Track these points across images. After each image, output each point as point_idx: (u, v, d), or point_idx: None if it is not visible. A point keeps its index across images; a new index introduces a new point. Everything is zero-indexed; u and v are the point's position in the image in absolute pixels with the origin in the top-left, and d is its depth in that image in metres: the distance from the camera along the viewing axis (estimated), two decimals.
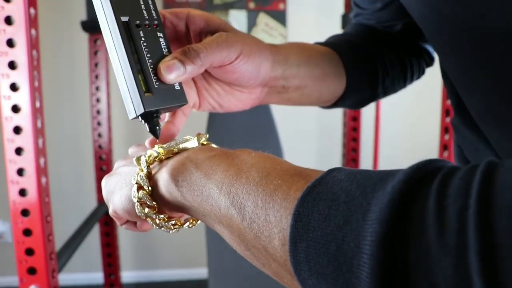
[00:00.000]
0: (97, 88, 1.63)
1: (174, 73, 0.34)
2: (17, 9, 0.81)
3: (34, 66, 0.85)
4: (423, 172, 0.21)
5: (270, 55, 0.41)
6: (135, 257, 2.14)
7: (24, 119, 0.85)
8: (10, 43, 0.82)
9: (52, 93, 1.94)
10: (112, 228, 1.72)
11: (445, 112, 1.24)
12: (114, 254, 1.74)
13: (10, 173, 0.85)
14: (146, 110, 0.34)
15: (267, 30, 2.01)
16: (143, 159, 0.33)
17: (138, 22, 0.35)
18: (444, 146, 1.25)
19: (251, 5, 1.98)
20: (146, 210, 0.33)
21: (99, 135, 1.66)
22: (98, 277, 1.98)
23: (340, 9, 1.78)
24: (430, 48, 0.59)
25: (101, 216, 1.61)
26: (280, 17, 2.01)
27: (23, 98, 0.84)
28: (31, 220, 0.87)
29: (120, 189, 0.35)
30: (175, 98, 0.36)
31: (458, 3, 0.34)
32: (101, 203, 1.65)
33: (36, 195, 0.86)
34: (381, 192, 0.21)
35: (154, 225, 0.34)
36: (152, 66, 0.35)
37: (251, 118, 1.51)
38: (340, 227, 0.21)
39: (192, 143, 0.35)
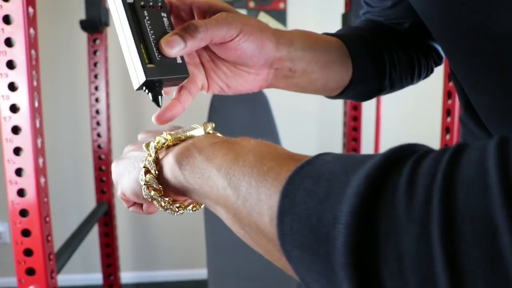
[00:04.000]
0: (96, 88, 1.63)
1: (175, 47, 0.37)
2: (15, 8, 0.81)
3: (33, 66, 0.84)
4: (400, 154, 0.23)
5: (273, 37, 0.43)
6: (135, 257, 2.14)
7: (22, 119, 0.84)
8: (8, 42, 0.82)
9: (51, 92, 1.93)
10: (111, 229, 1.71)
11: (446, 112, 1.23)
12: (113, 255, 1.73)
13: (8, 173, 0.85)
14: (148, 78, 0.36)
15: None
16: (152, 144, 0.35)
17: (142, 3, 0.38)
18: (445, 146, 1.25)
19: (251, 4, 1.98)
20: (152, 192, 0.34)
21: (98, 135, 1.65)
22: (97, 277, 1.98)
23: (340, 8, 1.77)
24: (439, 47, 0.58)
25: (100, 217, 1.60)
26: (280, 16, 2.00)
27: (21, 97, 0.84)
28: (30, 221, 0.86)
29: (129, 173, 0.37)
30: (176, 70, 0.38)
31: (464, 4, 0.34)
32: (101, 203, 1.65)
33: (34, 195, 0.86)
34: (360, 170, 0.22)
35: (160, 208, 0.36)
36: (155, 42, 0.38)
37: (251, 117, 1.50)
38: (321, 201, 0.23)
39: (199, 131, 0.37)
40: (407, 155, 0.22)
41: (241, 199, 0.27)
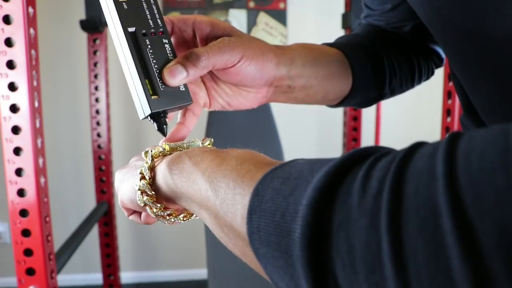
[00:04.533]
0: (96, 88, 1.63)
1: (177, 77, 0.37)
2: (15, 8, 0.81)
3: (33, 66, 0.84)
4: (364, 153, 0.23)
5: (274, 57, 0.43)
6: (135, 257, 2.14)
7: (22, 119, 0.84)
8: (8, 42, 0.82)
9: (51, 92, 1.93)
10: (111, 229, 1.71)
11: (446, 112, 1.23)
12: (113, 255, 1.73)
13: (8, 173, 0.85)
14: (153, 111, 0.37)
15: (267, 30, 2.00)
16: (149, 153, 0.37)
17: (144, 31, 0.38)
18: None
19: (251, 4, 1.98)
20: (145, 198, 0.35)
21: (98, 135, 1.65)
22: (97, 277, 1.98)
23: (340, 8, 1.77)
24: (439, 49, 0.58)
25: (100, 217, 1.60)
26: (280, 16, 2.00)
27: (21, 97, 0.84)
28: (30, 221, 0.86)
29: (128, 180, 0.38)
30: (180, 98, 0.39)
31: (458, 8, 0.34)
32: (100, 203, 1.65)
33: (34, 195, 0.86)
34: (324, 168, 0.23)
35: (152, 214, 0.37)
36: (158, 71, 0.38)
37: (251, 118, 1.50)
38: (286, 198, 0.23)
39: (196, 144, 0.38)
40: (369, 153, 0.23)
41: (219, 200, 0.28)
